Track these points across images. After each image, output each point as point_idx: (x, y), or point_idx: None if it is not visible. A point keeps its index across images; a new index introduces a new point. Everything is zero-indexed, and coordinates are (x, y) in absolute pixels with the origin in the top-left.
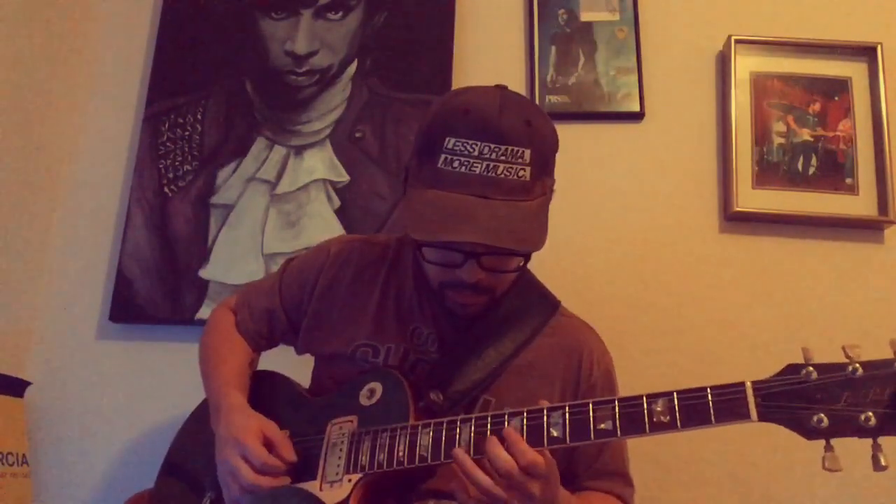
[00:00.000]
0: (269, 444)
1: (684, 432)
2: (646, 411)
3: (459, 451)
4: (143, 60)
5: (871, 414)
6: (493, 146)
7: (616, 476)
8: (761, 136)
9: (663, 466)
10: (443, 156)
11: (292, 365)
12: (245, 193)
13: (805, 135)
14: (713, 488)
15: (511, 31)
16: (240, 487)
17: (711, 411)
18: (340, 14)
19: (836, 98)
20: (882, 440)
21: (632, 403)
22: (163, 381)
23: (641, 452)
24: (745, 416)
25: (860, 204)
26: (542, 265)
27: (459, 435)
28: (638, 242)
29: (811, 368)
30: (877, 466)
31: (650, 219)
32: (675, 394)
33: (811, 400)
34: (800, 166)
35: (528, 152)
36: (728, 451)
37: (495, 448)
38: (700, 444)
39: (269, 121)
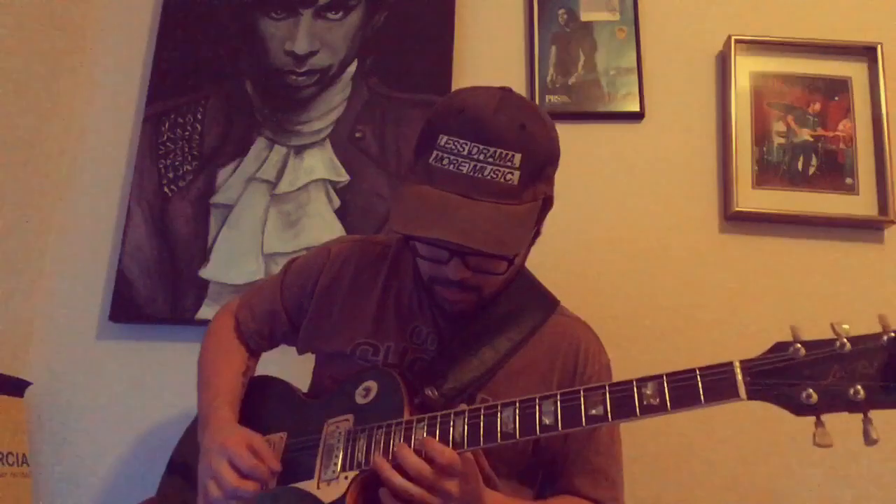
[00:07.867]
0: (253, 453)
1: (685, 432)
2: (636, 395)
3: (378, 459)
4: (143, 60)
5: (860, 387)
6: (481, 147)
7: (599, 475)
8: (761, 135)
9: (662, 466)
10: (435, 152)
11: (292, 366)
12: (245, 193)
13: (805, 135)
14: (713, 488)
15: (511, 31)
16: (222, 493)
17: (700, 392)
18: (340, 14)
19: (836, 98)
20: (872, 414)
21: (622, 388)
22: (163, 381)
23: (641, 452)
24: (733, 395)
25: (860, 204)
26: (541, 264)
27: (453, 428)
28: (638, 242)
29: (799, 345)
30: (867, 440)
31: (650, 219)
32: (664, 376)
33: (800, 376)
34: (800, 166)
35: (517, 156)
36: (727, 451)
37: (404, 452)
38: (699, 444)
39: (269, 121)
